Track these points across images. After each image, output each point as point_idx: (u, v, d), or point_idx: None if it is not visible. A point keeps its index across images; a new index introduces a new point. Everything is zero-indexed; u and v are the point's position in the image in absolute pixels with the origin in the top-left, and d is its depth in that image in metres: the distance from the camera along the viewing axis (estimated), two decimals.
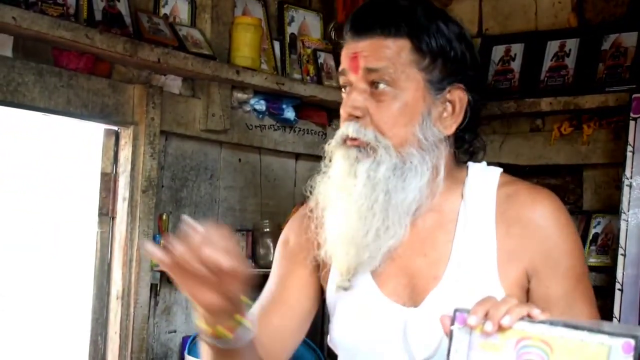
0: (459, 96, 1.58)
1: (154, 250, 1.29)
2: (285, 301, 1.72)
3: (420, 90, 1.56)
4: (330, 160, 1.61)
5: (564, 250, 1.55)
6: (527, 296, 1.55)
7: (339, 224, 1.56)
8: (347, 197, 1.54)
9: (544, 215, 1.56)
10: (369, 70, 1.54)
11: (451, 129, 1.58)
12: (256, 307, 1.72)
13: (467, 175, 1.63)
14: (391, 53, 1.54)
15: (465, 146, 1.65)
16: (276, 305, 1.72)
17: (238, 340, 1.44)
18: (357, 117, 1.54)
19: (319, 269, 1.73)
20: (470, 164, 1.65)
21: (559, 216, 1.57)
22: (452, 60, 1.58)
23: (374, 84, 1.54)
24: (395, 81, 1.54)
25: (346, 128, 1.55)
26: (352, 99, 1.55)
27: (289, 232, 1.80)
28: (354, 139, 1.54)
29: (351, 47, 1.57)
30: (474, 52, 1.64)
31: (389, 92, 1.54)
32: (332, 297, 1.68)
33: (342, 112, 1.56)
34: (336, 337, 1.67)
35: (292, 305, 1.72)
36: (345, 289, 1.60)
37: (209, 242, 1.27)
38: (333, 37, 3.84)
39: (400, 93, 1.54)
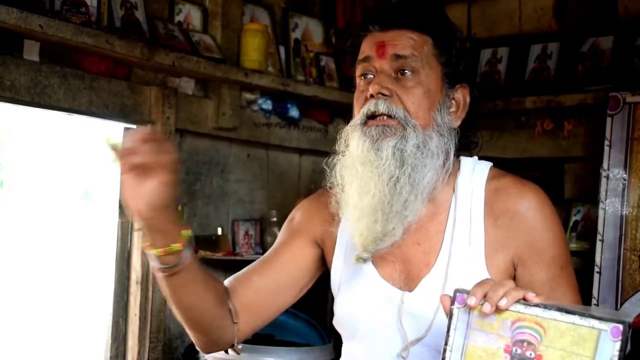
0: (464, 95, 1.60)
1: (112, 142, 1.39)
2: (272, 264, 1.72)
3: (439, 81, 1.58)
4: (345, 141, 1.60)
5: (548, 240, 1.54)
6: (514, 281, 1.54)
7: (367, 194, 1.53)
8: (374, 169, 1.52)
9: (530, 208, 1.55)
10: (397, 57, 1.55)
11: (457, 123, 1.60)
12: (250, 266, 1.75)
13: (459, 168, 1.62)
14: (416, 44, 1.56)
15: (462, 141, 1.65)
16: (262, 265, 1.73)
17: (173, 264, 1.49)
18: (386, 96, 1.53)
19: (322, 251, 1.72)
20: (462, 157, 1.64)
21: (544, 208, 1.56)
22: (463, 63, 1.61)
23: (399, 71, 1.55)
24: (418, 69, 1.55)
25: (375, 105, 1.53)
26: (381, 80, 1.55)
27: (296, 211, 1.81)
28: (381, 116, 1.53)
29: (377, 37, 1.58)
30: (473, 60, 1.68)
31: (414, 78, 1.55)
32: (337, 281, 1.68)
33: (372, 90, 1.54)
34: (339, 317, 1.66)
35: (277, 270, 1.71)
36: (365, 260, 1.57)
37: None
38: (334, 42, 3.82)
39: (423, 80, 1.55)
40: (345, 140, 1.60)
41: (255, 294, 1.69)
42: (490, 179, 1.60)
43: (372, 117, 1.55)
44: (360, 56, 1.61)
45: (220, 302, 1.64)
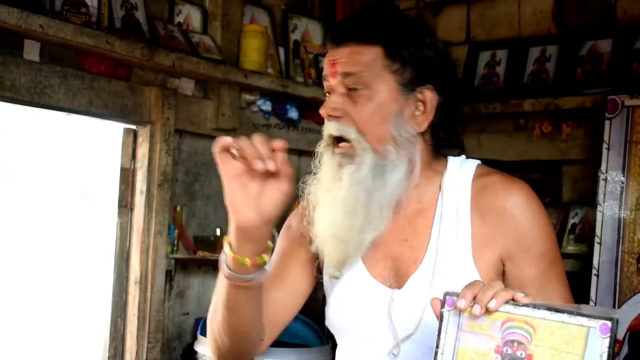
0: (429, 96, 1.58)
1: (225, 141, 1.35)
2: (284, 278, 1.73)
3: (392, 92, 1.57)
4: (319, 162, 1.62)
5: (536, 236, 1.55)
6: (503, 278, 1.55)
7: (327, 223, 1.57)
8: (333, 198, 1.55)
9: (516, 204, 1.55)
10: (346, 75, 1.56)
11: (423, 126, 1.58)
12: None
13: (446, 167, 1.63)
14: (365, 59, 1.56)
15: (444, 142, 1.65)
16: (276, 281, 1.72)
17: (255, 277, 1.45)
18: (338, 117, 1.55)
19: (317, 256, 1.74)
20: (450, 157, 1.65)
21: (531, 204, 1.56)
22: (422, 64, 1.58)
23: (350, 88, 1.56)
24: (369, 84, 1.55)
25: (328, 128, 1.56)
26: (331, 101, 1.57)
27: (292, 218, 1.81)
28: (340, 141, 1.55)
29: (331, 55, 1.60)
30: (445, 58, 1.65)
31: (364, 94, 1.55)
32: (328, 282, 1.70)
33: (322, 113, 1.57)
34: (331, 318, 1.68)
35: (290, 282, 1.73)
36: (337, 278, 1.63)
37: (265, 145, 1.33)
38: None
39: (374, 94, 1.55)
40: (319, 161, 1.62)
41: (275, 309, 1.71)
42: (477, 176, 1.61)
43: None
44: (322, 74, 1.63)
45: (261, 320, 1.65)
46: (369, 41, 1.57)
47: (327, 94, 1.61)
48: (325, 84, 1.62)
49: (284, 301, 1.72)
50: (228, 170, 1.36)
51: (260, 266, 1.44)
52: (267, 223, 1.39)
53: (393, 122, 1.56)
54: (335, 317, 1.66)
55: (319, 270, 1.75)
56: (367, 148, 1.54)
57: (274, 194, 1.36)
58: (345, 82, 1.56)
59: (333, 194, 1.55)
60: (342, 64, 1.56)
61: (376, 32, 1.58)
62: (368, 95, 1.55)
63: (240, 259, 1.42)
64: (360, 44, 1.57)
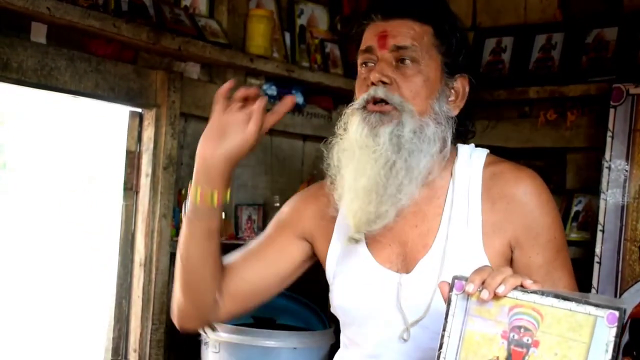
0: (463, 85, 1.64)
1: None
2: (260, 258, 1.75)
3: (438, 71, 1.61)
4: (344, 128, 1.63)
5: (544, 224, 1.57)
6: (511, 264, 1.57)
7: (362, 176, 1.56)
8: (371, 154, 1.55)
9: (526, 192, 1.57)
10: (398, 48, 1.58)
11: (455, 111, 1.63)
12: (235, 255, 1.77)
13: (456, 155, 1.64)
14: (417, 34, 1.59)
15: (460, 129, 1.67)
16: (251, 257, 1.76)
17: (202, 209, 1.59)
18: (385, 84, 1.57)
19: (311, 245, 1.75)
20: (459, 145, 1.67)
21: (541, 193, 1.58)
22: (462, 53, 1.64)
23: (400, 60, 1.58)
24: (419, 59, 1.58)
25: (374, 91, 1.57)
26: (382, 68, 1.58)
27: (286, 206, 1.84)
28: (380, 103, 1.56)
29: (379, 27, 1.61)
30: (473, 51, 1.71)
31: (413, 67, 1.58)
32: (331, 269, 1.70)
33: (372, 78, 1.58)
34: (336, 304, 1.68)
35: (265, 264, 1.75)
36: (357, 240, 1.61)
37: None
38: (339, 29, 3.82)
39: (423, 69, 1.58)
40: (344, 124, 1.63)
41: (241, 283, 1.73)
42: (487, 164, 1.63)
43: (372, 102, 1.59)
44: (362, 46, 1.64)
45: (217, 277, 1.69)
46: (422, 19, 1.61)
47: (364, 65, 1.64)
48: (364, 56, 1.63)
49: (251, 279, 1.74)
50: (219, 107, 1.58)
51: (210, 204, 1.58)
52: (226, 161, 1.55)
53: (437, 99, 1.60)
54: (341, 306, 1.66)
55: (306, 258, 1.76)
56: (413, 111, 1.56)
57: (239, 135, 1.53)
58: (396, 54, 1.59)
59: (370, 149, 1.55)
60: (393, 37, 1.59)
61: (429, 12, 1.62)
62: (417, 69, 1.58)
63: (194, 190, 1.59)
64: (413, 20, 1.60)
